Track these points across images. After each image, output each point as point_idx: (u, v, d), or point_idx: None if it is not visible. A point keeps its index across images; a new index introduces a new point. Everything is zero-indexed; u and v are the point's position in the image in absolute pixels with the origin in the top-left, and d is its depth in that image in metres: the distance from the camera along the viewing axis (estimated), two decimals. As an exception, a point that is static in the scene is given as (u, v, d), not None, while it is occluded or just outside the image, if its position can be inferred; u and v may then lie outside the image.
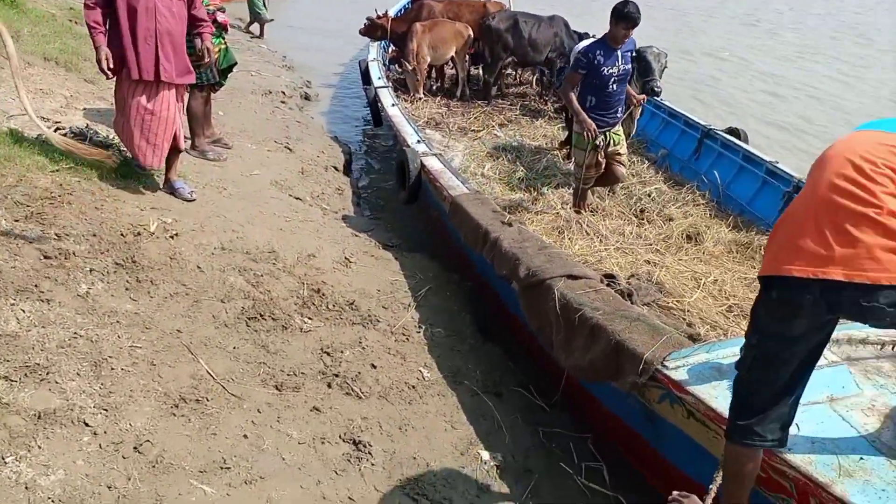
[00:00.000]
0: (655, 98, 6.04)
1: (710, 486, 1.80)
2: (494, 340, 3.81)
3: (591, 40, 4.79)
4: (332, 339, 3.30)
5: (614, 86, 4.57)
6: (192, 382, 2.73)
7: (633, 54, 4.79)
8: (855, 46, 16.84)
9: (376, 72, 7.23)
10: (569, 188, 5.42)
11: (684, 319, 3.09)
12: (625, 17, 4.35)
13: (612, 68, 4.49)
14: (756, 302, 1.74)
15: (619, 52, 4.53)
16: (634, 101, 5.20)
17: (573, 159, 5.00)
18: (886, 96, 11.86)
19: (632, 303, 2.96)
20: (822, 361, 1.81)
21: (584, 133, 4.55)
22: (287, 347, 3.15)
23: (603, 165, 4.76)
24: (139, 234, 3.51)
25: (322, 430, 2.74)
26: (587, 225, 4.48)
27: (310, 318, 3.41)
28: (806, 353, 1.65)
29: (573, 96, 4.59)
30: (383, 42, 8.78)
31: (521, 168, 6.11)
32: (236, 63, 5.30)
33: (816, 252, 1.56)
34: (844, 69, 13.77)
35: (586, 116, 4.49)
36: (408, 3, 9.94)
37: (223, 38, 5.00)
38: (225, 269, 3.56)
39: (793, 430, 1.77)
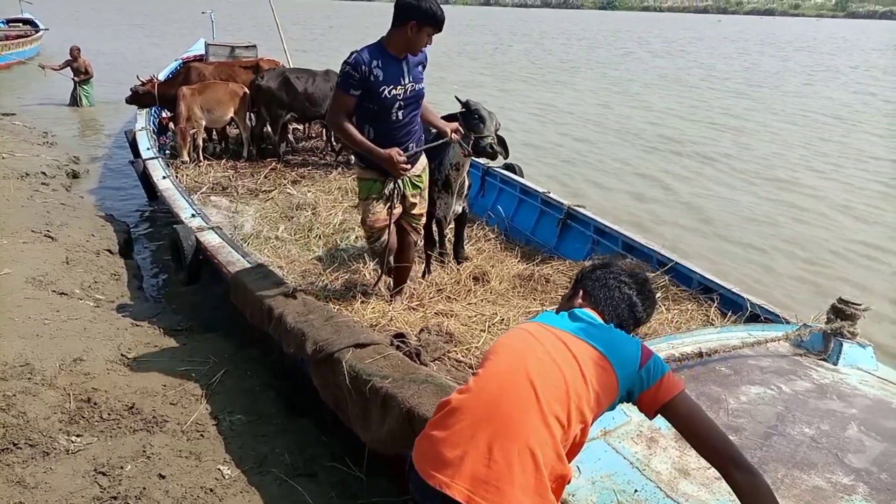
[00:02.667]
0: (490, 163, 5.67)
1: None
2: (305, 415, 3.60)
3: (367, 46, 3.34)
4: (109, 454, 2.88)
5: (399, 113, 3.40)
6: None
7: (422, 68, 3.53)
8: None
9: (145, 142, 6.73)
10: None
11: (472, 368, 3.12)
12: (432, 17, 3.18)
13: (395, 88, 3.33)
14: None
15: (405, 66, 3.36)
16: (449, 130, 3.75)
17: (360, 216, 3.82)
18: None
19: (420, 362, 2.92)
20: None
21: (370, 173, 3.53)
22: (51, 477, 2.69)
23: (387, 222, 3.66)
24: None
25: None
26: (384, 283, 4.38)
27: (78, 436, 2.96)
28: None
29: (348, 125, 3.34)
30: (154, 109, 8.26)
31: (318, 225, 5.96)
32: None
33: None
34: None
35: (374, 147, 3.32)
36: (177, 67, 9.49)
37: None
38: (-37, 396, 2.99)
39: (575, 472, 1.80)
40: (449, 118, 4.05)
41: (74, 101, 12.98)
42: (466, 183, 4.53)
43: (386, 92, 3.32)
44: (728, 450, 1.54)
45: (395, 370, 2.73)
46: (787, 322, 3.44)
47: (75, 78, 12.87)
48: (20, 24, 20.18)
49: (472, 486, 1.44)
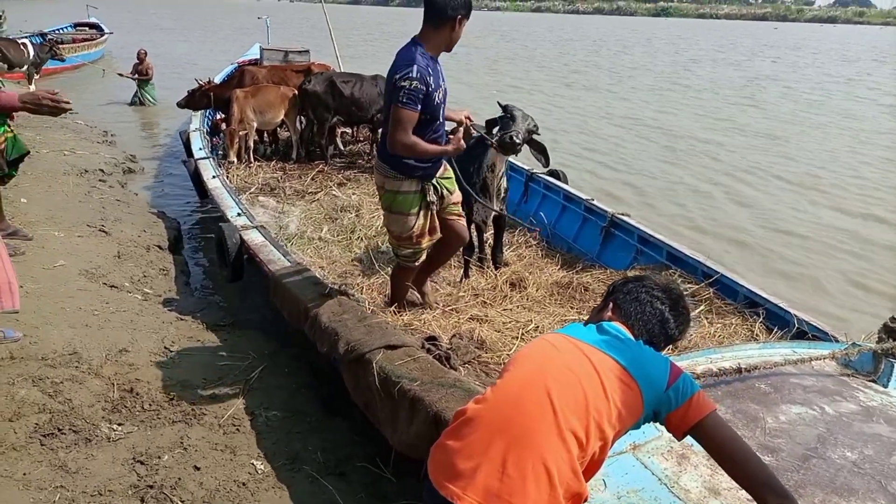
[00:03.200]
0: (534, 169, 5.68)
1: None
2: (339, 414, 3.63)
3: (411, 52, 3.13)
4: (148, 444, 2.96)
5: (442, 116, 3.37)
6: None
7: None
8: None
9: (197, 142, 6.92)
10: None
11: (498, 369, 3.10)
12: (470, 6, 3.13)
13: (439, 91, 3.23)
14: None
15: (439, 66, 3.28)
16: (458, 119, 3.68)
17: (392, 233, 3.63)
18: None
19: (450, 366, 2.92)
20: None
21: (410, 184, 3.38)
22: (91, 463, 2.78)
23: (438, 229, 3.63)
24: None
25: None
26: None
27: (119, 424, 3.05)
28: None
29: (418, 140, 3.17)
30: (209, 111, 8.50)
31: (361, 227, 6.03)
32: (28, 152, 4.84)
33: None
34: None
35: (444, 147, 3.31)
36: (232, 70, 9.75)
37: (8, 126, 4.55)
38: (14, 381, 3.13)
39: (600, 486, 1.76)
40: (492, 122, 4.35)
41: (137, 101, 13.50)
42: (503, 186, 4.54)
43: (437, 98, 3.20)
44: (761, 474, 1.49)
45: (424, 373, 2.73)
46: (836, 340, 3.31)
47: (136, 77, 13.41)
48: (87, 28, 21.07)
49: (485, 498, 1.43)
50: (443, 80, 3.29)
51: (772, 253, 7.07)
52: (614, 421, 1.52)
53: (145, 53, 13.59)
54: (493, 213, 4.53)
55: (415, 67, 3.07)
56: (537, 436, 1.47)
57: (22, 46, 12.34)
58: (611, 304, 1.81)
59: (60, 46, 13.22)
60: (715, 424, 1.54)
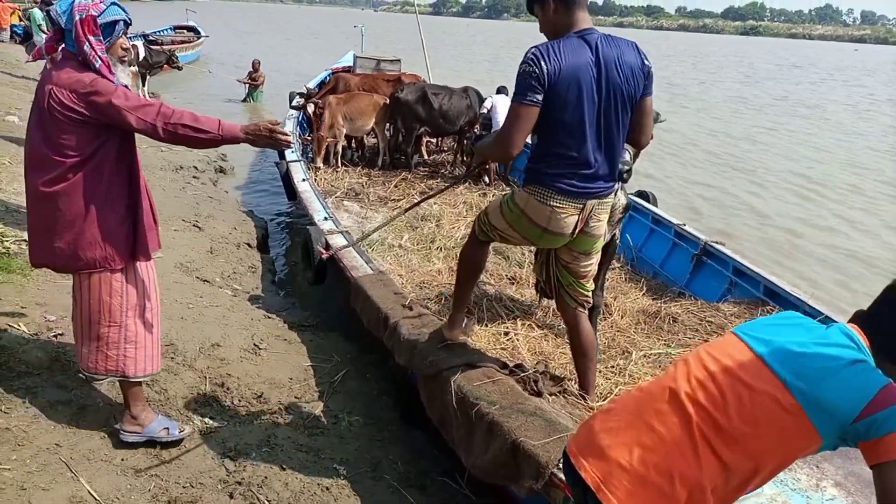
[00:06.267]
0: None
1: None
2: (418, 425, 3.62)
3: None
4: (237, 439, 3.02)
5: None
6: (68, 508, 2.40)
7: None
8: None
9: (289, 145, 7.11)
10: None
11: (589, 406, 2.96)
12: None
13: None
14: None
15: None
16: None
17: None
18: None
19: (537, 391, 2.82)
20: None
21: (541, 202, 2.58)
22: (185, 455, 2.85)
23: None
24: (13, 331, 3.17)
25: (221, 552, 2.45)
26: (498, 305, 4.20)
27: (211, 418, 3.12)
28: None
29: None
30: (298, 114, 8.75)
31: (441, 237, 6.03)
32: None
33: None
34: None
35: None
36: (326, 77, 10.02)
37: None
38: (116, 367, 3.24)
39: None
40: None
41: (249, 101, 14.93)
42: (621, 202, 3.64)
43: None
44: None
45: (504, 397, 2.66)
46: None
47: (247, 82, 14.78)
48: (185, 31, 22.17)
49: None
50: None
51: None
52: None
53: (259, 63, 14.70)
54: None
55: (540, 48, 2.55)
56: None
57: (132, 47, 13.10)
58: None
59: (169, 53, 13.92)
60: (893, 472, 1.38)
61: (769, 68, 39.24)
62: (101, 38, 2.45)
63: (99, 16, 2.44)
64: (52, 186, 2.45)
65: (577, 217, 2.62)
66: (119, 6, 2.52)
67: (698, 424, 1.47)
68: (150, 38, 16.67)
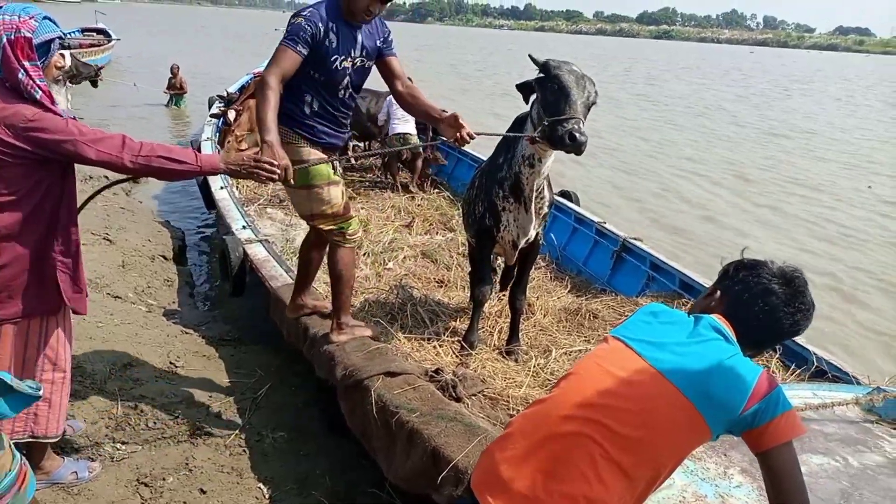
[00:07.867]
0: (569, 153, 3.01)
1: None
2: (346, 434, 3.54)
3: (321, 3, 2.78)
4: (153, 464, 2.88)
5: (344, 92, 2.92)
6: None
7: (383, 44, 2.98)
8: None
9: (208, 152, 6.87)
10: (414, 260, 5.35)
11: (509, 408, 2.98)
12: None
13: (346, 60, 2.84)
14: None
15: (359, 35, 2.88)
16: (458, 136, 2.77)
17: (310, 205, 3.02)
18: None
19: (455, 395, 2.81)
20: None
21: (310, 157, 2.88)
22: (94, 484, 2.69)
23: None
24: None
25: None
26: (423, 309, 4.20)
27: (124, 443, 2.96)
28: None
29: (273, 90, 2.65)
30: (218, 121, 8.48)
31: (368, 242, 5.96)
32: None
33: None
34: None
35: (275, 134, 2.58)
36: (248, 81, 9.76)
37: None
38: (17, 395, 3.03)
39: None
40: (524, 89, 3.13)
41: (169, 105, 14.37)
42: (546, 197, 3.36)
43: (338, 63, 2.82)
44: None
45: (424, 403, 2.63)
46: (858, 383, 3.22)
47: (170, 92, 14.08)
48: (94, 34, 21.11)
49: None
50: (358, 52, 2.89)
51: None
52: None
53: (178, 68, 13.98)
54: (529, 236, 3.43)
55: (310, 10, 2.79)
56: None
57: (60, 56, 12.33)
58: (718, 293, 1.65)
59: (97, 68, 13.15)
60: (782, 457, 1.42)
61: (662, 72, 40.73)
62: (37, 61, 2.17)
63: (33, 35, 2.15)
64: None
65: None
66: (51, 20, 2.23)
67: (596, 440, 1.45)
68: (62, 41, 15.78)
